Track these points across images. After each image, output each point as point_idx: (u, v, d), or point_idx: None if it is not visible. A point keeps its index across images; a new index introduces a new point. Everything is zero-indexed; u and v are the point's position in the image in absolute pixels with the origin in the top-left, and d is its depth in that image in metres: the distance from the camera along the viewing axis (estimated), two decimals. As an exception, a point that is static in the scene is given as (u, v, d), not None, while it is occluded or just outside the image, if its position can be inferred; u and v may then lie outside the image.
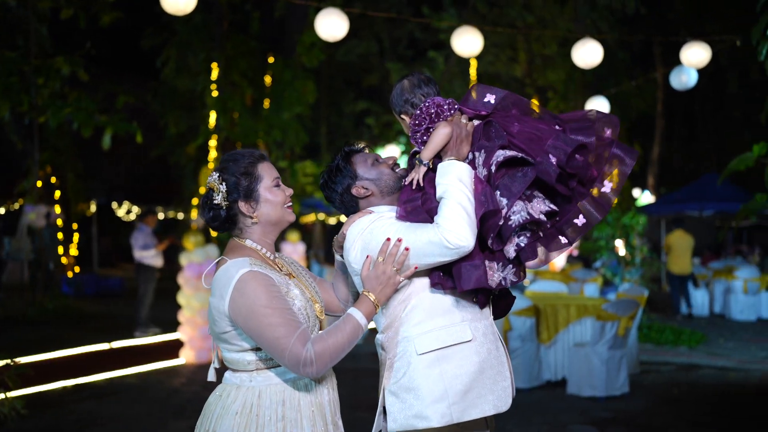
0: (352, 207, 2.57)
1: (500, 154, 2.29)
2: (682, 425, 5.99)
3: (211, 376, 2.45)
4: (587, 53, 7.94)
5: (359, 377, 7.16)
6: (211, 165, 13.28)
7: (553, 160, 2.25)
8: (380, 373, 2.49)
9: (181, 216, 22.45)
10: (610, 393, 6.75)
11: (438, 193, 2.32)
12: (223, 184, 2.32)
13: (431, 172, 2.40)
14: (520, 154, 2.28)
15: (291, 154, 14.06)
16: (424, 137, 2.43)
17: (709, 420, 6.18)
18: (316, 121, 20.73)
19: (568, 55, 18.17)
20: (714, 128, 30.08)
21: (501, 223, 2.25)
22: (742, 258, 17.38)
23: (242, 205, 2.34)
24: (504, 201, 2.26)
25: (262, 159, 2.40)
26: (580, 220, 2.37)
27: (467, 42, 7.95)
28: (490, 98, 2.45)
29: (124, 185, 25.05)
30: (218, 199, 2.32)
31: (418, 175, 2.39)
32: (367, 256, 2.36)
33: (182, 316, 8.50)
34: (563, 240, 2.39)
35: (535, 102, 2.52)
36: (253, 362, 2.29)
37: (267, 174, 2.38)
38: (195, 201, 18.17)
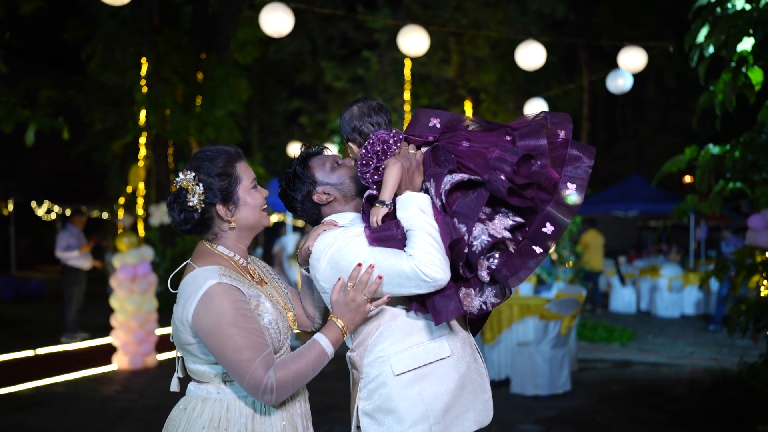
0: (315, 214, 2.46)
1: (447, 181, 2.20)
2: (624, 421, 6.14)
3: (174, 387, 2.30)
4: (530, 55, 8.05)
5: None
6: (141, 163, 12.84)
7: (501, 174, 2.16)
8: (352, 392, 2.37)
9: (105, 216, 21.64)
10: (553, 391, 6.85)
11: (403, 226, 2.21)
12: (200, 184, 2.16)
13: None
14: (466, 177, 2.19)
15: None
16: (375, 176, 2.30)
17: (650, 415, 6.35)
18: (248, 119, 20.37)
19: (500, 57, 18.62)
20: (633, 131, 31.29)
21: (466, 250, 2.15)
22: (664, 257, 18.06)
23: (220, 209, 2.19)
24: (463, 228, 2.15)
25: (239, 158, 2.26)
26: (548, 228, 2.24)
27: (413, 41, 7.93)
28: (435, 122, 2.35)
29: (44, 183, 23.95)
30: (193, 200, 2.15)
31: (377, 216, 2.25)
32: (339, 278, 2.24)
33: (115, 320, 8.14)
34: (537, 250, 2.24)
35: (470, 118, 2.43)
36: (220, 374, 2.16)
37: (245, 175, 2.24)
38: (122, 200, 17.55)
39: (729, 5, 6.99)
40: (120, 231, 19.00)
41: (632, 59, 8.21)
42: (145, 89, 12.82)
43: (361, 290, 2.19)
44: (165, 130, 12.87)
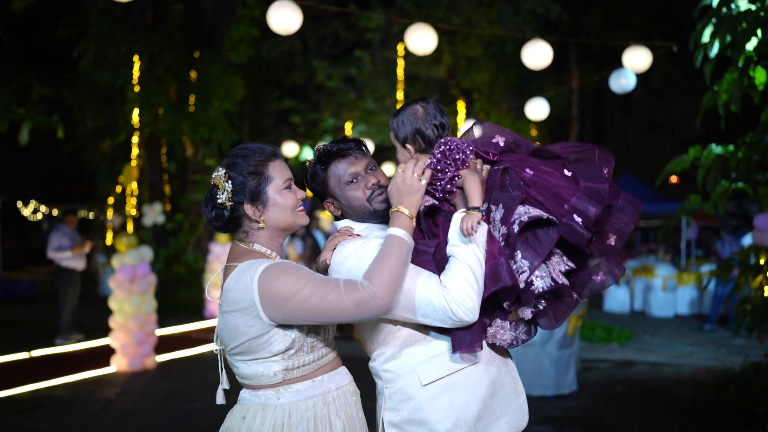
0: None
1: (523, 213, 2.08)
2: (632, 422, 6.13)
3: (220, 399, 2.25)
4: (537, 54, 8.03)
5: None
6: (134, 163, 12.70)
7: (579, 220, 2.08)
8: (377, 402, 2.29)
9: (92, 216, 21.40)
10: (559, 392, 6.83)
11: (449, 249, 2.11)
12: (229, 182, 2.13)
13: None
14: (545, 215, 2.07)
15: (219, 152, 13.61)
16: (448, 186, 2.18)
17: (657, 415, 6.35)
18: (239, 118, 20.23)
19: (493, 57, 18.64)
20: (621, 131, 31.49)
21: (521, 288, 2.07)
22: (655, 256, 18.14)
23: (248, 208, 2.15)
24: (526, 264, 2.06)
25: (273, 157, 2.20)
26: (599, 277, 2.20)
27: (421, 39, 7.87)
28: (500, 139, 2.25)
29: (30, 183, 23.66)
30: (222, 198, 2.13)
31: (472, 222, 2.07)
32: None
33: (113, 322, 8.02)
34: (575, 296, 2.21)
35: (525, 139, 2.34)
36: (280, 372, 2.10)
37: (278, 174, 2.17)
38: (111, 200, 17.37)
39: (733, 5, 7.02)
40: (109, 231, 18.87)
41: (637, 59, 8.22)
42: (137, 88, 12.67)
43: (411, 169, 2.15)
44: (158, 130, 12.73)
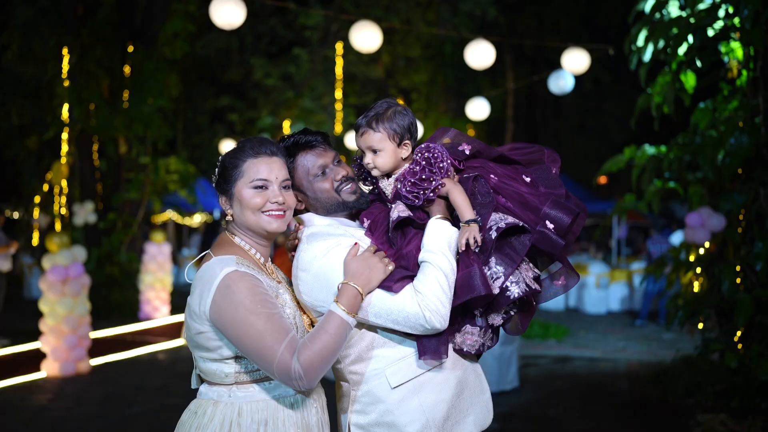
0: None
1: (499, 220, 2.09)
2: (575, 415, 6.26)
3: (194, 383, 2.19)
4: (479, 55, 8.11)
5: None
6: (63, 160, 12.22)
7: (552, 227, 2.11)
8: (339, 404, 2.25)
9: (17, 215, 20.52)
10: (501, 388, 6.91)
11: (422, 255, 2.08)
12: (218, 166, 2.16)
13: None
14: (520, 222, 2.09)
15: (154, 150, 13.23)
16: (431, 194, 2.12)
17: (596, 408, 6.51)
18: (174, 115, 19.77)
19: (431, 57, 18.78)
20: (553, 133, 32.28)
21: (497, 292, 2.07)
22: (587, 255, 18.65)
23: (221, 198, 2.17)
24: (500, 270, 2.06)
25: (263, 154, 2.12)
26: (560, 281, 2.24)
27: (366, 37, 7.84)
28: (466, 148, 2.24)
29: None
30: (214, 180, 2.20)
31: (473, 235, 2.04)
32: (356, 243, 2.10)
33: (44, 325, 7.69)
34: (534, 303, 2.23)
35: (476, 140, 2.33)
36: (231, 374, 2.06)
37: (252, 172, 2.10)
38: (38, 199, 16.71)
39: (665, 11, 7.28)
40: (36, 231, 18.14)
41: (575, 61, 8.42)
42: (67, 83, 12.20)
43: (381, 257, 2.08)
44: (89, 126, 12.28)
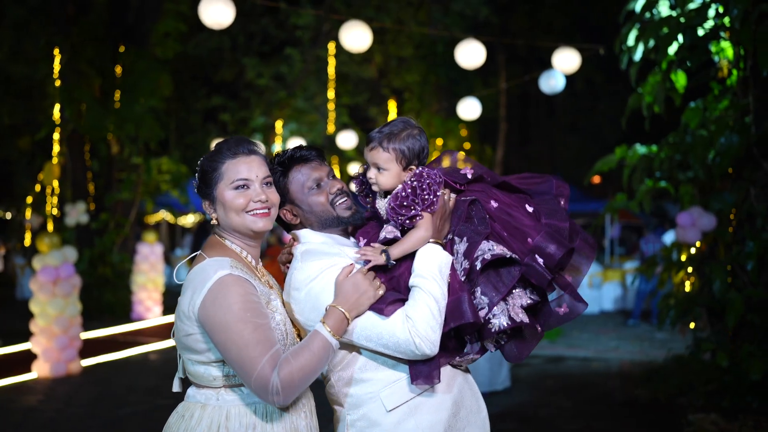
0: (284, 225, 2.32)
1: (487, 250, 2.07)
2: (566, 415, 6.27)
3: (176, 387, 2.18)
4: (470, 54, 8.11)
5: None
6: (55, 160, 12.17)
7: (541, 261, 2.08)
8: (337, 429, 2.22)
9: (9, 216, 20.43)
10: (493, 388, 6.91)
11: (413, 279, 2.07)
12: (198, 171, 2.12)
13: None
14: (508, 254, 2.07)
15: (146, 150, 13.18)
16: (407, 222, 2.11)
17: (588, 408, 6.52)
18: (166, 115, 19.71)
19: (423, 57, 18.76)
20: (546, 133, 32.33)
21: (480, 323, 2.07)
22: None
23: (204, 203, 2.13)
24: (485, 300, 2.06)
25: (240, 154, 2.10)
26: (562, 309, 2.19)
27: (356, 37, 7.83)
28: (468, 172, 2.24)
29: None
30: (195, 185, 2.15)
31: (375, 261, 2.08)
32: (351, 264, 2.10)
33: (35, 326, 7.65)
34: (539, 329, 2.21)
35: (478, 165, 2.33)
36: (220, 378, 2.04)
37: (231, 173, 2.08)
38: (29, 199, 16.65)
39: (655, 11, 7.29)
40: (28, 232, 18.06)
41: (566, 60, 8.43)
42: (58, 82, 12.15)
43: (372, 280, 2.07)
44: (81, 126, 12.23)
